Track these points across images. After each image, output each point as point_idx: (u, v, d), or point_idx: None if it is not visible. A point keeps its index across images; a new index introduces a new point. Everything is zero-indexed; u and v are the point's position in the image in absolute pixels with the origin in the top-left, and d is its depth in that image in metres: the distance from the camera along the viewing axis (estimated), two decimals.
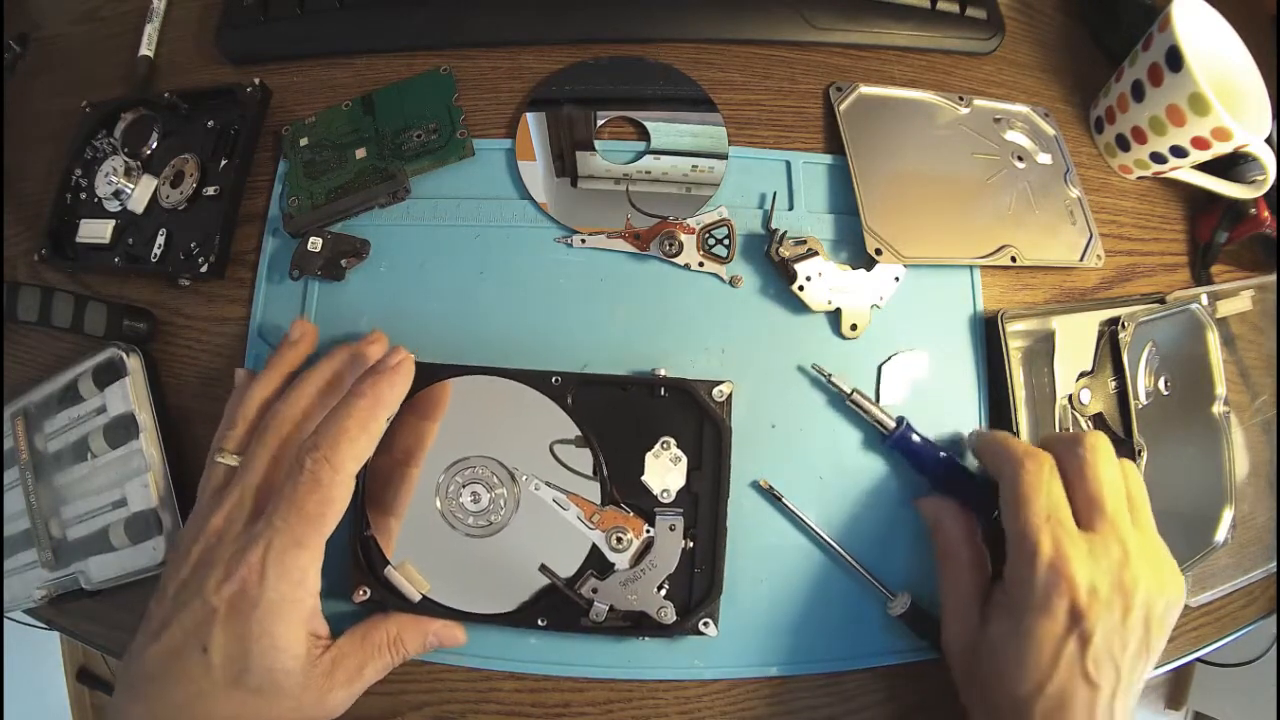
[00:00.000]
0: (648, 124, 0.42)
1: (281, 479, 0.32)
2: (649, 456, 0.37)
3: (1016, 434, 0.39)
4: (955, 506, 0.38)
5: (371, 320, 0.40)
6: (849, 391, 0.38)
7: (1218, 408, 0.44)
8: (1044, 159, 0.45)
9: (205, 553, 0.32)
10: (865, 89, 0.44)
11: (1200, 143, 0.41)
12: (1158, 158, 0.44)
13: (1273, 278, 0.48)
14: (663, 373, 0.38)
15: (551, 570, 0.37)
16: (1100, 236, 0.44)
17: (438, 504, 0.37)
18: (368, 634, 0.35)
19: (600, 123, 0.43)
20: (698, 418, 0.38)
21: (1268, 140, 0.41)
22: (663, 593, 0.36)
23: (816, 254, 0.40)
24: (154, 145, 0.44)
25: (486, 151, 0.42)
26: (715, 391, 0.37)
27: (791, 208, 0.42)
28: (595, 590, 0.36)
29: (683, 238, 0.40)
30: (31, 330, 0.44)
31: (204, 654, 0.30)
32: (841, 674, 0.38)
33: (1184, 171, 0.45)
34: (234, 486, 0.34)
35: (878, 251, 0.40)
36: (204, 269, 0.40)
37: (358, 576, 0.37)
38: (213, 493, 0.35)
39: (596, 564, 0.37)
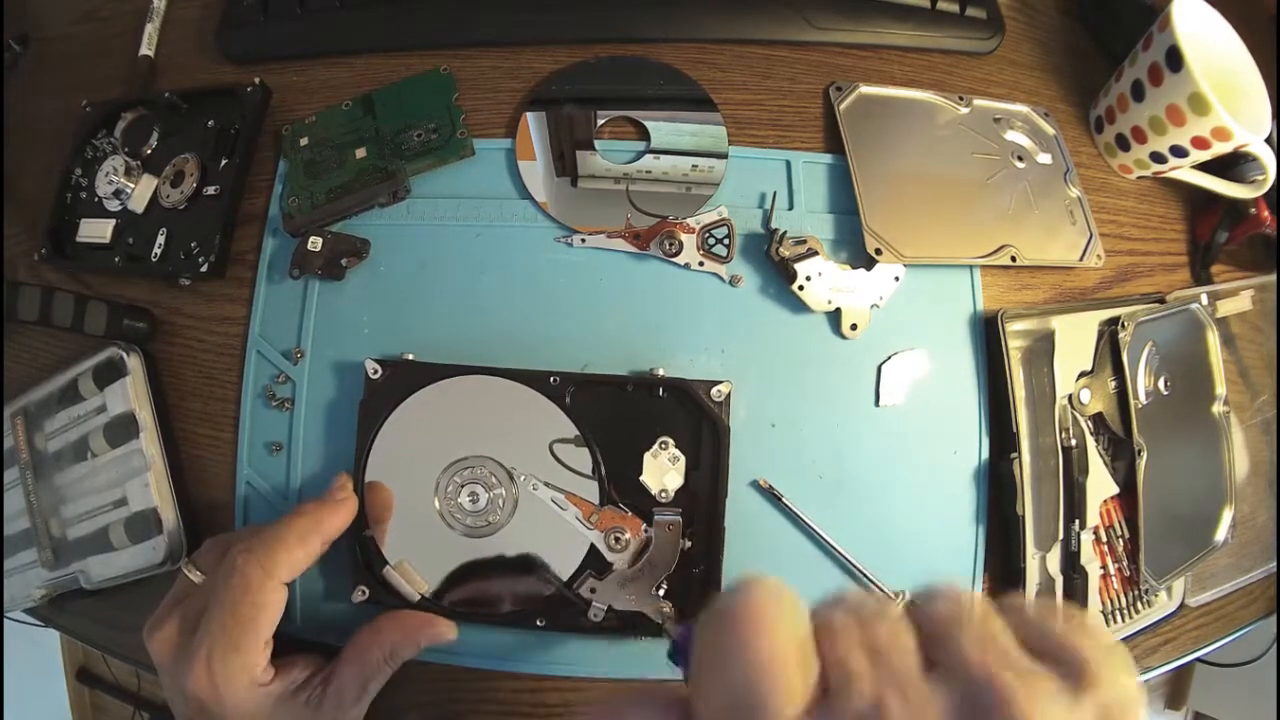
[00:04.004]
0: (648, 124, 0.42)
1: (216, 581, 0.33)
2: (647, 456, 0.37)
3: (1016, 433, 0.39)
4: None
5: (372, 320, 0.40)
6: None
7: (1218, 408, 0.44)
8: (1044, 159, 0.45)
9: (162, 663, 0.33)
10: (865, 89, 0.44)
11: (1200, 143, 0.41)
12: (1158, 158, 0.44)
13: (1273, 278, 0.48)
14: (661, 372, 0.38)
15: (550, 570, 0.37)
16: (1100, 236, 0.44)
17: (436, 504, 0.37)
18: (363, 655, 0.35)
19: (600, 122, 0.43)
20: (696, 417, 0.38)
21: (1268, 140, 0.41)
22: (661, 592, 0.36)
23: (816, 254, 0.40)
24: (154, 145, 0.44)
25: (486, 151, 0.42)
26: (714, 391, 0.37)
27: (791, 208, 0.42)
28: (593, 590, 0.36)
29: (683, 237, 0.40)
30: (31, 330, 0.44)
31: None
32: None
33: (1184, 171, 0.45)
34: (189, 602, 0.34)
35: (878, 251, 0.40)
36: (204, 268, 0.40)
37: (356, 576, 0.37)
38: (171, 602, 0.35)
39: (595, 564, 0.37)
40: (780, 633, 0.19)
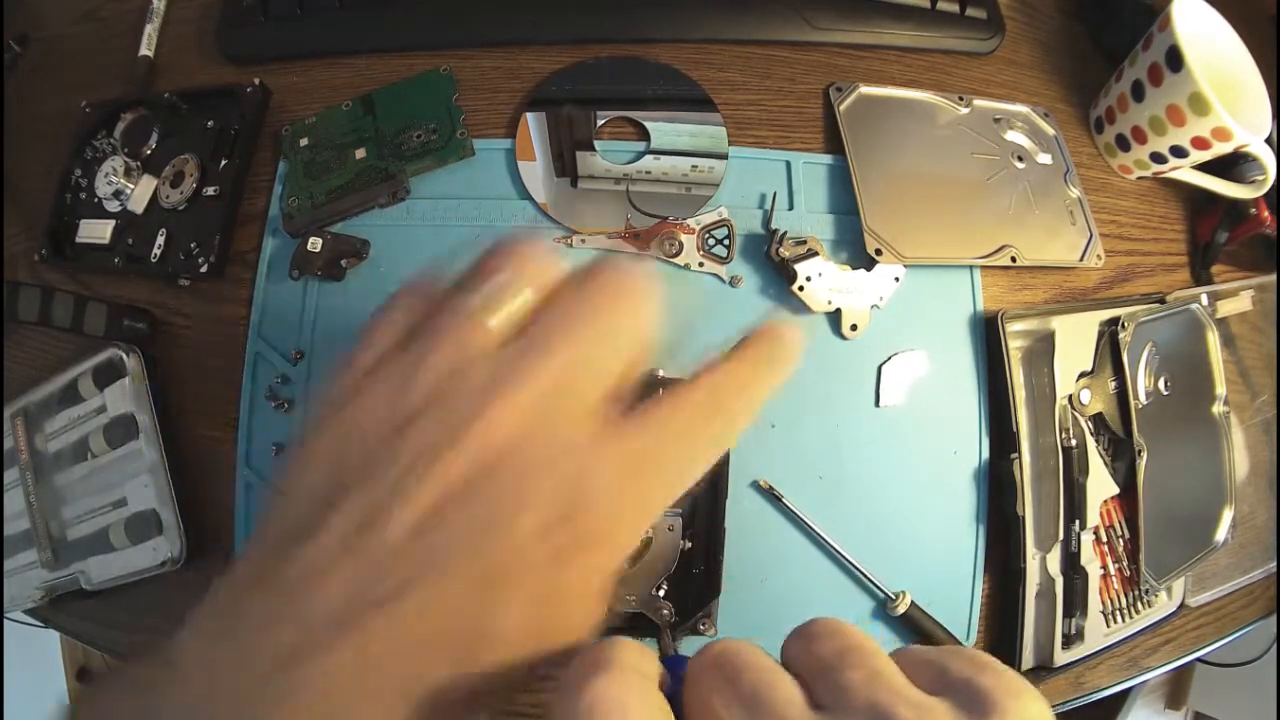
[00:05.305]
0: (648, 124, 0.42)
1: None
2: None
3: (1016, 433, 0.39)
4: None
5: None
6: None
7: (1218, 408, 0.44)
8: (1044, 159, 0.45)
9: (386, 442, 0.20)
10: (865, 89, 0.44)
11: (1200, 143, 0.41)
12: (1158, 158, 0.44)
13: (1273, 278, 0.48)
14: (661, 373, 0.38)
15: None
16: (1100, 236, 0.44)
17: None
18: None
19: (600, 123, 0.43)
20: None
21: (1268, 140, 0.41)
22: (661, 593, 0.36)
23: (816, 254, 0.40)
24: (154, 145, 0.44)
25: (486, 151, 0.42)
26: None
27: (791, 208, 0.42)
28: None
29: (683, 238, 0.40)
30: (31, 330, 0.44)
31: (473, 655, 0.20)
32: None
33: (1184, 171, 0.45)
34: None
35: (878, 251, 0.40)
36: (204, 269, 0.40)
37: None
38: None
39: None
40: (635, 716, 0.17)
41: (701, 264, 0.40)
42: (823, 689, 0.18)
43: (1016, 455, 0.39)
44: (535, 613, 0.20)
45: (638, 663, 0.19)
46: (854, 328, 0.40)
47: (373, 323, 0.22)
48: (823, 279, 0.39)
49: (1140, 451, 0.41)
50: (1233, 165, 0.45)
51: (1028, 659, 0.39)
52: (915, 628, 0.38)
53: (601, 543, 0.21)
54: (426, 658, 0.19)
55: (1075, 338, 0.41)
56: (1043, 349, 0.41)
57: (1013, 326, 0.40)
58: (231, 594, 0.20)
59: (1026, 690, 0.17)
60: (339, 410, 0.21)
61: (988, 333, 0.41)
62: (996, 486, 0.40)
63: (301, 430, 0.22)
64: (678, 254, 0.40)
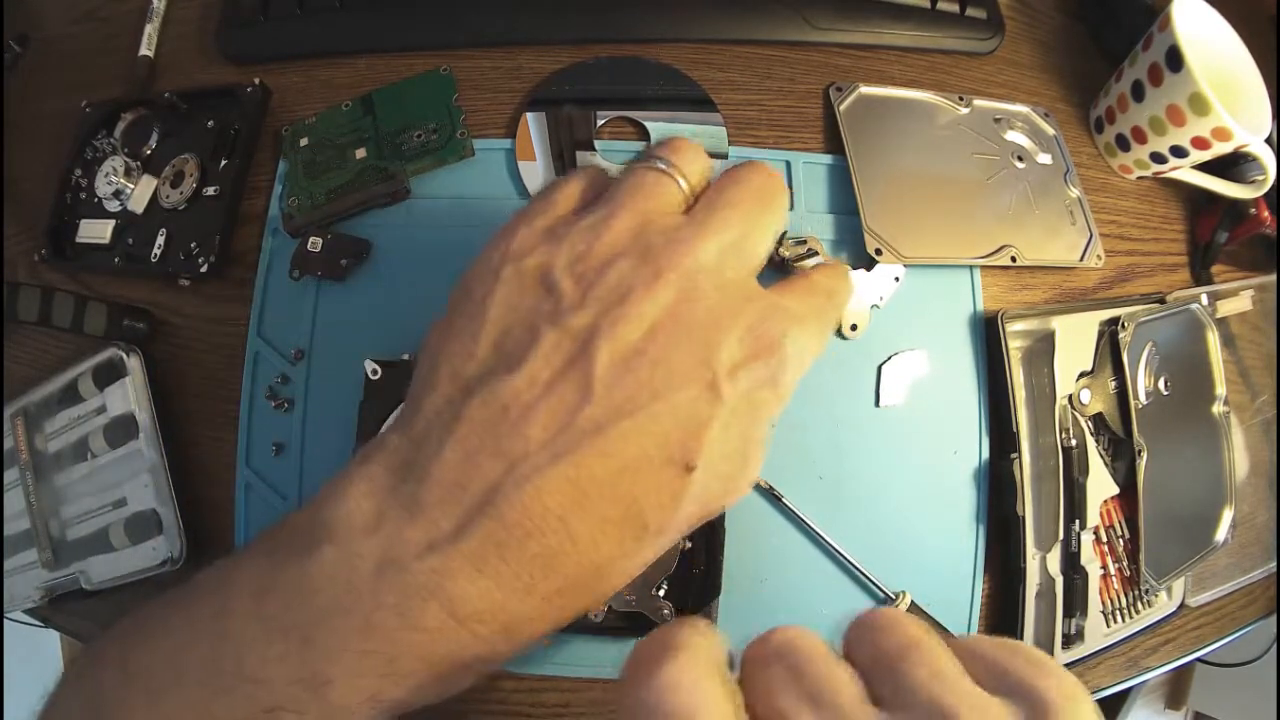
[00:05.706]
0: (648, 124, 0.42)
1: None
2: None
3: (1016, 433, 0.39)
4: None
5: (372, 320, 0.40)
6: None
7: (1218, 408, 0.44)
8: (1044, 159, 0.45)
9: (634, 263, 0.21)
10: (865, 89, 0.44)
11: (1200, 143, 0.41)
12: (1158, 158, 0.44)
13: (1273, 278, 0.48)
14: None
15: None
16: (1100, 236, 0.44)
17: None
18: None
19: (600, 123, 0.43)
20: None
21: (1268, 140, 0.41)
22: (661, 593, 0.36)
23: (816, 254, 0.40)
24: (154, 145, 0.44)
25: (486, 151, 0.42)
26: None
27: (792, 208, 0.41)
28: None
29: None
30: (31, 330, 0.44)
31: (682, 474, 0.20)
32: None
33: (1184, 171, 0.45)
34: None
35: (878, 251, 0.40)
36: (204, 269, 0.40)
37: None
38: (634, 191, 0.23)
39: None
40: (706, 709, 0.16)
41: None
42: (882, 683, 0.18)
43: (1016, 455, 0.39)
44: (727, 449, 0.21)
45: (708, 647, 0.19)
46: (854, 327, 0.40)
47: (547, 193, 0.25)
48: None
49: (1140, 451, 0.41)
50: (1233, 165, 0.45)
51: None
52: None
53: (780, 386, 0.23)
54: (634, 485, 0.20)
55: (1075, 338, 0.41)
56: (1043, 349, 0.41)
57: (1013, 326, 0.40)
58: (393, 459, 0.21)
59: (1082, 694, 0.17)
60: (519, 261, 0.22)
61: (988, 333, 0.41)
62: (996, 486, 0.40)
63: (458, 293, 0.24)
64: None
